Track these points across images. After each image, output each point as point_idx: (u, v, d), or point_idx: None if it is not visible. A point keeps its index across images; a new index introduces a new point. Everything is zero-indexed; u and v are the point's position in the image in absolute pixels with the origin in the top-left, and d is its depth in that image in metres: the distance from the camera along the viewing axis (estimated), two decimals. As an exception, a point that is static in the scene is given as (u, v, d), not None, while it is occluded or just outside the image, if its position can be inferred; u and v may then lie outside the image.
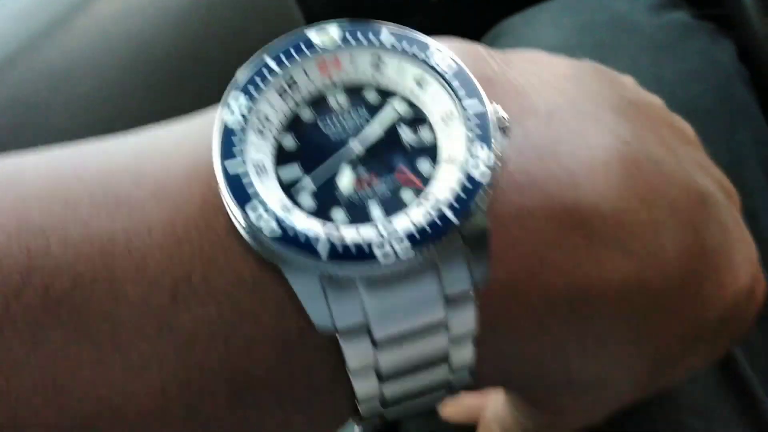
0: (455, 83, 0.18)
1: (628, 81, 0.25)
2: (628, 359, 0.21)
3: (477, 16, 0.57)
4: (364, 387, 0.18)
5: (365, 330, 0.17)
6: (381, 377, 0.18)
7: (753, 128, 0.41)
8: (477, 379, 0.20)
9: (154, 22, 0.44)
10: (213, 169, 0.17)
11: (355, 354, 0.17)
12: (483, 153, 0.17)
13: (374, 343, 0.17)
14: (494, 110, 0.18)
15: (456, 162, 0.18)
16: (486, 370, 0.20)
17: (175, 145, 0.19)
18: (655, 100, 0.25)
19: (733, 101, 0.42)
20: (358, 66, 0.19)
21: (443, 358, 0.19)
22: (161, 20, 0.44)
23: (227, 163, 0.17)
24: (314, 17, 0.54)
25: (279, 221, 0.16)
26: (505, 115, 0.18)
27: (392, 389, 0.19)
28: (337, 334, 0.17)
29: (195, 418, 0.17)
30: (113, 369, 0.17)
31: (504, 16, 0.52)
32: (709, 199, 0.22)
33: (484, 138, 0.17)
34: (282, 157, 0.18)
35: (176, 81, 0.44)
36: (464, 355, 0.19)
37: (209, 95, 0.49)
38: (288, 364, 0.18)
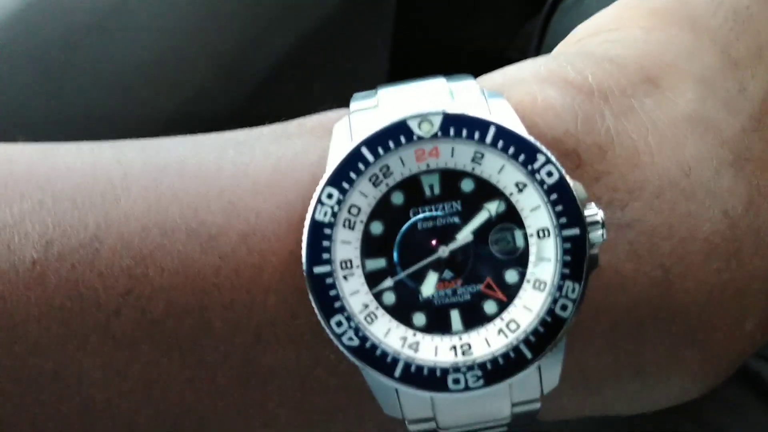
0: (557, 205, 0.17)
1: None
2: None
3: None
4: None
5: (432, 419, 0.18)
6: None
7: None
8: None
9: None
10: (302, 224, 0.18)
11: None
12: (570, 287, 0.17)
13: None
14: (593, 214, 0.17)
15: (542, 288, 0.17)
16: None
17: (267, 182, 0.19)
18: None
19: None
20: (457, 156, 0.18)
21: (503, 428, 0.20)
22: None
23: (316, 268, 0.17)
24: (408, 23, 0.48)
25: (359, 334, 0.17)
26: (602, 218, 0.18)
27: None
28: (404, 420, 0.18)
29: None
30: (201, 387, 0.19)
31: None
32: None
33: (575, 272, 0.17)
34: (370, 245, 0.18)
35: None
36: (524, 420, 0.20)
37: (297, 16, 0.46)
38: (359, 407, 0.19)
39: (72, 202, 0.18)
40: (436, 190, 0.18)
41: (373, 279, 0.18)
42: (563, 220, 0.17)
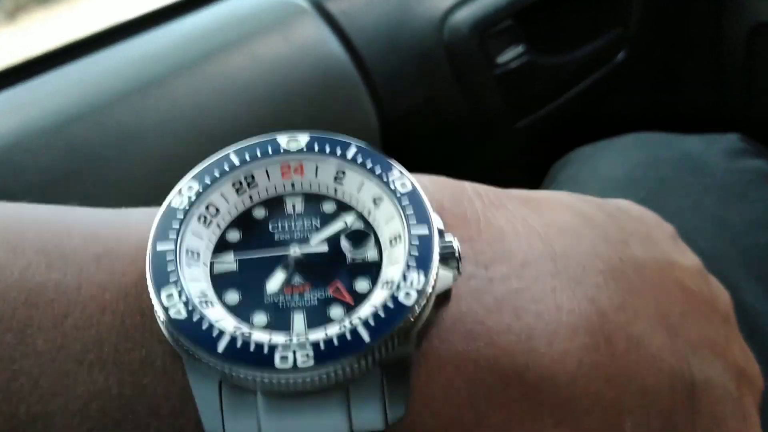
0: (408, 208, 0.18)
1: (662, 232, 0.23)
2: None
3: (555, 142, 0.57)
4: None
5: None
6: None
7: None
8: None
9: (227, 100, 0.47)
10: None
11: None
12: (416, 278, 0.16)
13: None
14: (447, 242, 0.17)
15: (390, 287, 0.17)
16: None
17: (138, 220, 0.19)
18: (687, 261, 0.23)
19: None
20: (321, 176, 0.19)
21: None
22: (234, 100, 0.47)
23: (159, 243, 0.17)
24: (390, 125, 0.55)
25: (188, 307, 0.16)
26: (458, 248, 0.17)
27: None
28: None
29: None
30: (7, 417, 0.16)
31: (580, 144, 0.52)
32: (701, 392, 0.20)
33: (422, 264, 0.17)
34: (223, 248, 0.18)
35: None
36: None
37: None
38: None
39: None
40: (298, 209, 0.19)
41: (219, 278, 0.17)
42: (413, 221, 0.17)
